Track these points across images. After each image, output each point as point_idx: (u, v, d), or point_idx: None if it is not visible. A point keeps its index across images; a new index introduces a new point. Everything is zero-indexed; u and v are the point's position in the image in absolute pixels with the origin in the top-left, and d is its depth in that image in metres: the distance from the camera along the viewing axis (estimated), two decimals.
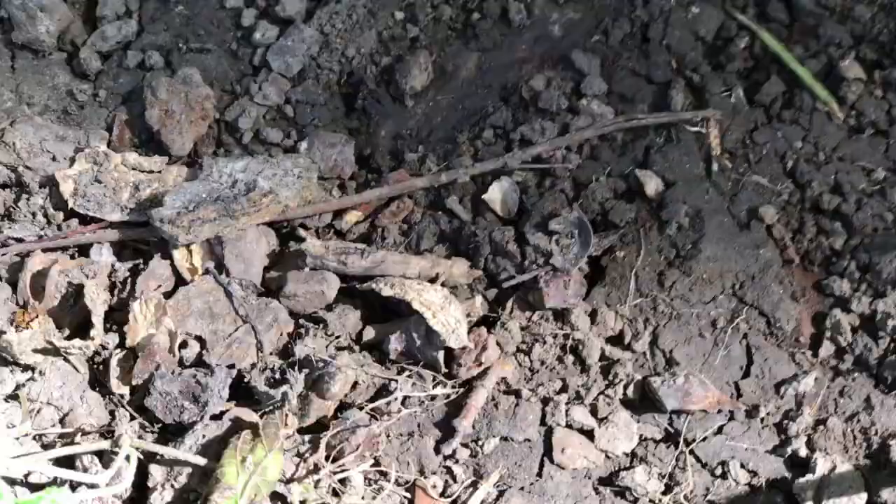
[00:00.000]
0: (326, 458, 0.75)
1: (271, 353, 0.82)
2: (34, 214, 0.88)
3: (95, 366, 0.83)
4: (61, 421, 0.78)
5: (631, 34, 0.96)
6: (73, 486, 0.72)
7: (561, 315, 0.85)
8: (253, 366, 0.81)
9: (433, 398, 0.81)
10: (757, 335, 0.85)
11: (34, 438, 0.77)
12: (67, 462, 0.74)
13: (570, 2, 0.97)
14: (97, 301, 0.82)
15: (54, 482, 0.73)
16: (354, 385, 0.81)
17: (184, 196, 0.84)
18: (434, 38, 0.96)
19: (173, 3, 1.00)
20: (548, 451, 0.80)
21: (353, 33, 0.96)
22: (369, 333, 0.84)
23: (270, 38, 0.97)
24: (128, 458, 0.73)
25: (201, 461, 0.73)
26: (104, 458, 0.74)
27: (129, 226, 0.89)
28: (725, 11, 0.96)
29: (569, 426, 0.80)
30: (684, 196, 0.87)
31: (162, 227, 0.83)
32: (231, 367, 0.81)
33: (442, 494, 0.76)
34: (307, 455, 0.76)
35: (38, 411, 0.78)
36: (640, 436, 0.81)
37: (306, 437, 0.77)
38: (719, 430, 0.81)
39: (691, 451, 0.79)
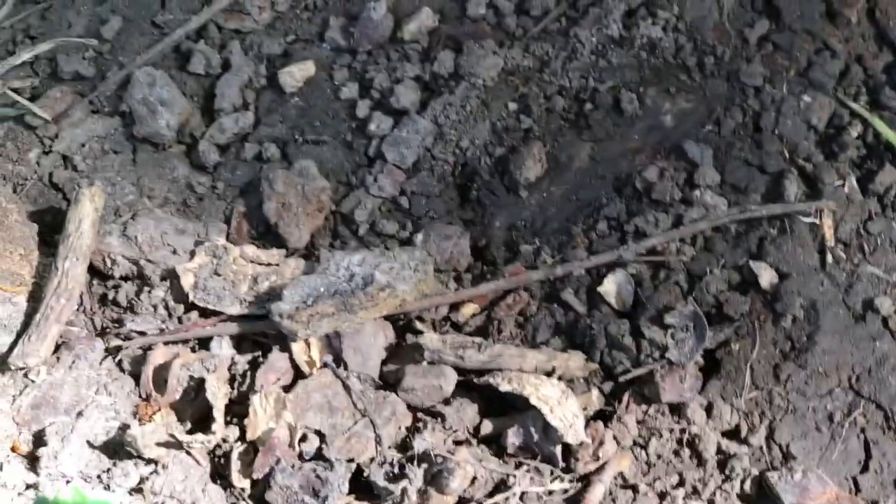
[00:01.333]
0: None
1: (390, 447, 0.92)
2: (155, 307, 1.00)
3: (217, 459, 0.93)
4: None
5: (743, 123, 1.07)
6: None
7: (677, 409, 0.94)
8: (372, 460, 0.92)
9: (551, 493, 0.91)
10: (875, 429, 0.93)
11: None
12: None
13: (682, 91, 1.08)
14: (218, 395, 0.94)
15: None
16: (473, 480, 0.91)
17: (302, 290, 0.96)
18: (547, 129, 1.08)
19: (289, 95, 1.13)
20: None
21: (467, 124, 1.08)
22: (487, 427, 0.95)
23: (385, 130, 1.10)
24: None
25: None
26: None
27: (248, 319, 1.00)
28: (837, 99, 1.07)
29: None
30: (799, 288, 0.97)
31: (281, 321, 0.95)
32: (350, 461, 0.91)
33: None
34: None
35: None
36: None
37: None
38: None
39: None
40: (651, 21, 1.09)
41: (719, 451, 0.92)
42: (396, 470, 0.90)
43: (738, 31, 1.09)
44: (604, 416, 0.94)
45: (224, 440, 0.92)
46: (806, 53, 1.08)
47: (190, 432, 0.91)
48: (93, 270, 1.04)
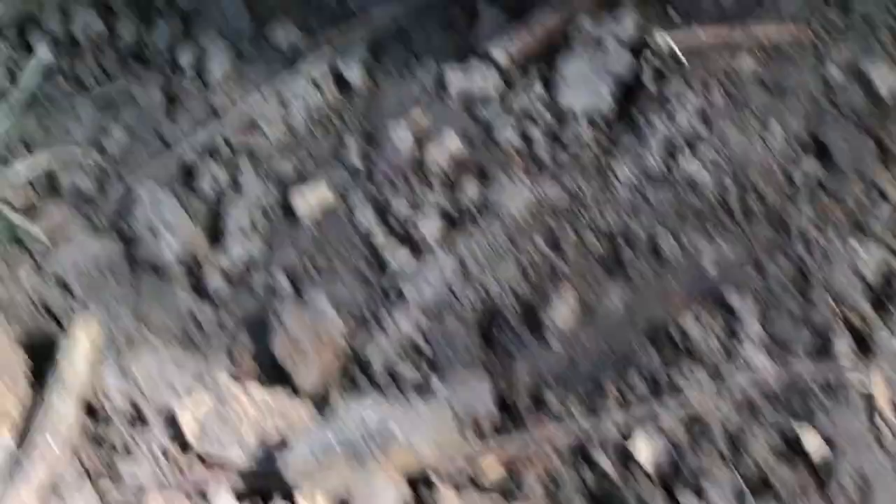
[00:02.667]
0: None
1: None
2: (152, 451, 1.04)
3: None
4: None
5: (788, 272, 1.12)
6: None
7: None
8: None
9: None
10: None
11: None
12: None
13: (724, 235, 1.13)
14: None
15: None
16: None
17: (311, 440, 1.01)
18: (579, 270, 1.13)
19: (302, 221, 1.18)
20: None
21: (493, 262, 1.13)
22: None
23: (404, 264, 1.15)
24: None
25: None
26: None
27: (252, 468, 1.04)
28: (888, 247, 1.12)
29: None
30: (849, 457, 1.01)
31: (287, 473, 0.99)
32: None
33: None
34: None
35: None
36: None
37: None
38: None
39: None
40: (693, 158, 1.14)
41: None
42: None
43: (785, 172, 1.14)
44: None
45: None
46: (856, 197, 1.12)
47: None
48: (85, 407, 1.07)
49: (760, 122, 1.14)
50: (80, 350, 1.06)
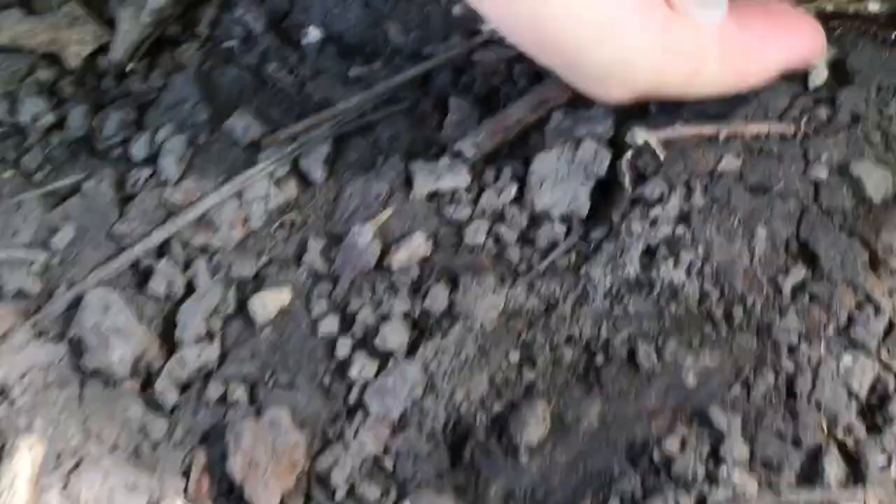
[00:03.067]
0: None
1: None
2: None
3: None
4: None
5: (775, 387, 1.10)
6: None
7: None
8: None
9: None
10: None
11: None
12: None
13: (706, 346, 1.11)
14: None
15: None
16: None
17: None
18: (553, 383, 1.11)
19: (260, 327, 1.16)
20: None
21: (462, 375, 1.12)
22: None
23: (368, 375, 1.13)
24: None
25: None
26: None
27: None
28: (881, 362, 1.10)
29: None
30: None
31: None
32: None
33: None
34: None
35: None
36: None
37: None
38: None
39: None
40: (673, 263, 1.13)
41: None
42: None
43: (771, 279, 1.13)
44: None
45: None
46: (846, 308, 1.12)
47: None
48: None
49: (745, 226, 1.12)
50: (21, 474, 1.04)
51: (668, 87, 0.75)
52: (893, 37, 1.19)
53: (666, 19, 0.69)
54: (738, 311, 1.17)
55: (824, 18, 1.21)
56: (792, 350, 1.15)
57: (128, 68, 1.27)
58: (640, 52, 0.69)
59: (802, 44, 0.80)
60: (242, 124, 1.28)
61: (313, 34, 1.28)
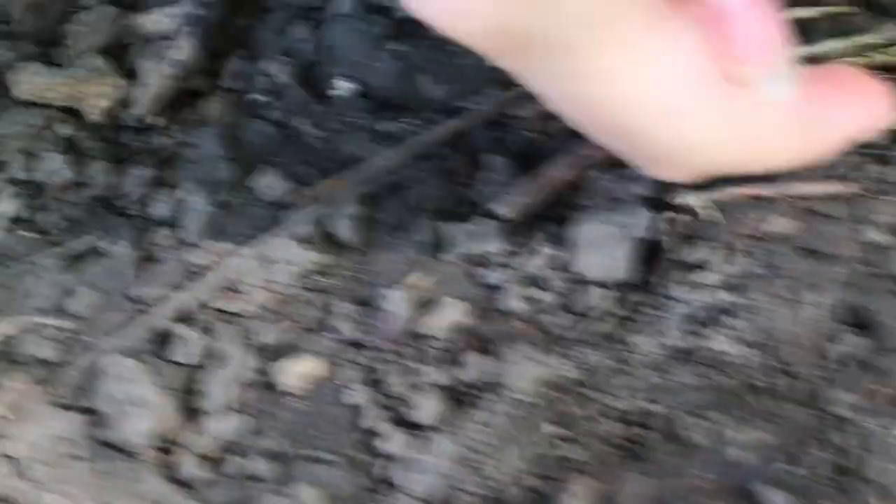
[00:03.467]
0: None
1: None
2: None
3: None
4: None
5: (824, 462, 1.08)
6: None
7: None
8: None
9: None
10: None
11: None
12: None
13: (752, 419, 1.10)
14: None
15: None
16: None
17: None
18: (593, 458, 1.10)
19: (286, 397, 1.16)
20: None
21: (497, 448, 1.10)
22: None
23: (398, 448, 1.12)
24: None
25: None
26: None
27: None
28: None
29: None
30: None
31: None
32: None
33: None
34: None
35: None
36: None
37: None
38: None
39: None
40: (719, 331, 1.11)
41: None
42: None
43: (821, 348, 1.11)
44: None
45: None
46: None
47: None
48: None
49: (795, 292, 1.11)
50: None
51: (733, 167, 0.73)
52: None
53: (731, 98, 0.70)
54: (785, 382, 1.15)
55: (874, 71, 1.19)
56: (842, 422, 1.13)
57: (150, 122, 1.26)
58: (705, 134, 0.71)
59: (873, 112, 0.78)
60: (268, 182, 1.28)
61: (342, 86, 1.27)
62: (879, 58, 1.12)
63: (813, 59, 1.17)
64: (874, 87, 0.82)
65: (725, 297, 1.14)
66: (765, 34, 0.73)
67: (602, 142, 0.75)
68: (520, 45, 0.59)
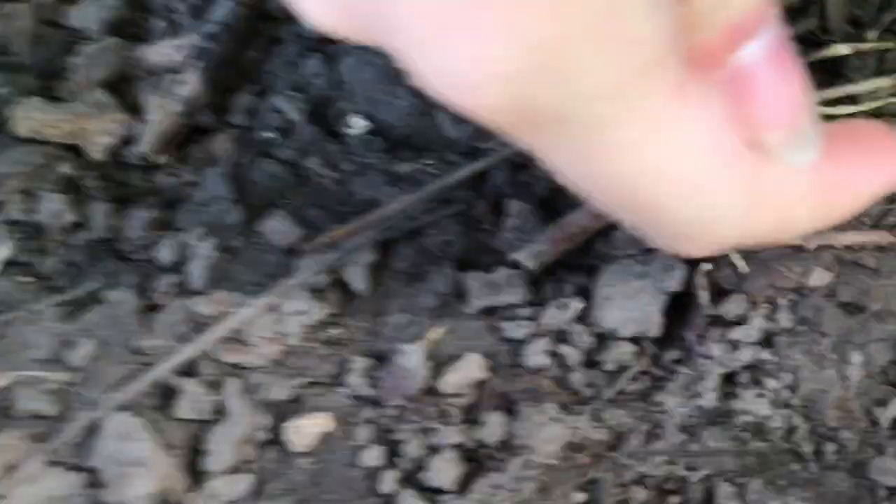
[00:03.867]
0: None
1: None
2: None
3: None
4: None
5: None
6: None
7: None
8: None
9: None
10: None
11: None
12: None
13: (794, 486, 1.06)
14: None
15: None
16: None
17: None
18: None
19: (297, 456, 1.11)
20: None
21: None
22: None
23: None
24: None
25: None
26: None
27: None
28: None
29: None
30: None
31: None
32: None
33: None
34: None
35: None
36: None
37: None
38: None
39: None
40: (756, 392, 1.06)
41: None
42: None
43: (867, 411, 1.08)
44: None
45: None
46: None
47: None
48: None
49: (837, 350, 1.05)
50: None
51: (757, 239, 0.69)
52: None
53: (754, 168, 0.66)
54: (829, 448, 1.11)
55: None
56: (891, 492, 1.08)
57: (154, 161, 1.21)
58: (728, 209, 0.66)
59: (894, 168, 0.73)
60: (279, 227, 1.23)
61: (358, 124, 1.22)
62: None
63: (854, 99, 1.11)
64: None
65: (765, 355, 1.07)
66: (789, 96, 0.69)
67: (619, 218, 0.71)
68: (535, 120, 0.55)
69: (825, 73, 1.15)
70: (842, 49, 1.10)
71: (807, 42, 1.18)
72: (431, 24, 0.50)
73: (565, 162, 0.64)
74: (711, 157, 0.66)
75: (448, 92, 0.54)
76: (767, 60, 0.66)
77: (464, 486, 1.10)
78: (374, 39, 0.57)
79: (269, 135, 1.21)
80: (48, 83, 1.27)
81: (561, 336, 1.14)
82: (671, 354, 1.13)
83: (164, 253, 1.22)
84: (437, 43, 0.50)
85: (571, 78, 0.54)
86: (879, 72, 1.15)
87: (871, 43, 1.12)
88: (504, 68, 0.51)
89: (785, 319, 1.14)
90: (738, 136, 0.69)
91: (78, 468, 1.14)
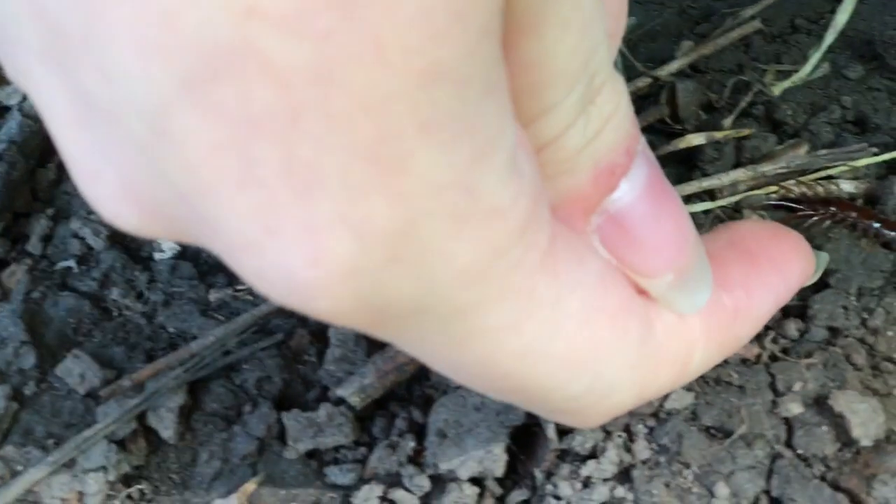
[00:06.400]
0: None
1: None
2: None
3: None
4: None
5: None
6: None
7: None
8: None
9: None
10: None
11: None
12: None
13: None
14: None
15: None
16: None
17: None
18: None
19: None
20: None
21: None
22: None
23: None
24: None
25: None
26: None
27: None
28: None
29: None
30: None
31: None
32: None
33: None
34: None
35: None
36: None
37: None
38: None
39: None
40: None
41: None
42: None
43: None
44: None
45: None
46: None
47: None
48: None
49: (702, 482, 0.94)
50: None
51: (656, 395, 0.69)
52: (875, 227, 1.01)
53: (643, 323, 0.61)
54: None
55: (792, 204, 1.06)
56: None
57: None
58: (620, 376, 0.61)
59: (793, 276, 0.75)
60: (78, 370, 1.12)
61: (166, 248, 1.10)
62: (795, 188, 0.99)
63: (712, 194, 1.02)
64: (789, 246, 0.74)
65: (621, 492, 0.97)
66: (669, 236, 0.62)
67: (499, 399, 0.63)
68: (390, 315, 0.48)
69: (679, 165, 1.06)
70: (695, 139, 1.02)
71: (657, 132, 1.09)
72: (257, 224, 0.41)
73: (430, 352, 0.55)
74: (594, 325, 0.58)
75: (284, 297, 0.45)
76: (642, 198, 0.59)
77: None
78: (191, 240, 0.47)
79: (68, 264, 1.09)
80: None
81: (393, 480, 1.03)
82: (518, 495, 1.02)
83: None
84: (265, 244, 0.42)
85: (426, 266, 0.46)
86: (737, 162, 1.06)
87: (727, 131, 1.03)
88: (347, 265, 0.43)
89: (643, 449, 1.03)
90: (625, 287, 0.61)
91: None
